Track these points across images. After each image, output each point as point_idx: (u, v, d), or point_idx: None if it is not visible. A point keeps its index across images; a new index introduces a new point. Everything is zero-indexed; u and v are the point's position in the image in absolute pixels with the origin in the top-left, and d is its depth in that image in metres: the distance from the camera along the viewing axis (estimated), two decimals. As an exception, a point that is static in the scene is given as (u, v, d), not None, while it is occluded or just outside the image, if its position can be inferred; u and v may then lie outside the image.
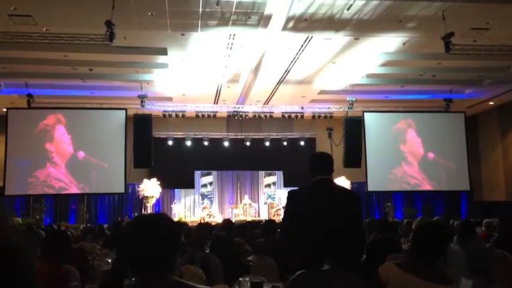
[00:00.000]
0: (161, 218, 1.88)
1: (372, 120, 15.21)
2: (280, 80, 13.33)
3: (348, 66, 12.13)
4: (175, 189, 17.88)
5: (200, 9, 8.61)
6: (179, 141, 17.29)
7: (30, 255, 0.98)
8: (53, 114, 14.11)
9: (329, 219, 3.27)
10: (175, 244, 1.84)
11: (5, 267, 0.91)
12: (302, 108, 15.58)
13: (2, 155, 13.83)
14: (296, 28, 9.56)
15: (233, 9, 8.65)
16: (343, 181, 15.87)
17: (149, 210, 16.45)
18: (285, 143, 17.63)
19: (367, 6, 8.61)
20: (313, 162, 3.55)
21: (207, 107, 15.44)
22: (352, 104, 14.49)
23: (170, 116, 15.38)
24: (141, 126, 14.14)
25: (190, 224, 10.61)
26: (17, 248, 0.95)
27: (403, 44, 10.63)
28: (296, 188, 3.69)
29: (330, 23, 9.29)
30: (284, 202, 3.90)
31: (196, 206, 18.01)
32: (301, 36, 10.12)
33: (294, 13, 8.80)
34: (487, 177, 17.06)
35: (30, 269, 0.96)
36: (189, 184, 17.75)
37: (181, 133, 17.24)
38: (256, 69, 11.79)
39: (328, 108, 15.47)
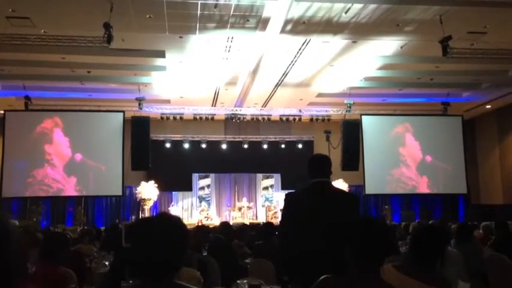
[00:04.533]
0: (174, 221, 1.84)
1: (369, 123, 15.23)
2: (278, 83, 13.35)
3: (346, 69, 12.15)
4: (173, 192, 17.88)
5: (198, 12, 8.62)
6: (177, 144, 17.28)
7: (10, 235, 0.96)
8: (51, 116, 14.06)
9: (326, 221, 3.27)
10: (184, 248, 1.82)
11: None
12: (300, 111, 15.58)
13: (-1, 157, 13.80)
14: (294, 31, 9.58)
15: (231, 12, 8.66)
16: (340, 184, 15.88)
17: (147, 213, 16.42)
18: (282, 146, 17.65)
19: (365, 10, 8.63)
20: (311, 165, 3.55)
21: (205, 110, 15.43)
22: (350, 107, 14.50)
23: (168, 118, 15.35)
24: (138, 129, 14.11)
25: (187, 227, 10.58)
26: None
27: (401, 47, 10.65)
28: (293, 191, 3.69)
29: (328, 26, 9.31)
30: (282, 205, 3.91)
31: (193, 209, 17.98)
32: (299, 39, 10.14)
33: (292, 16, 8.82)
34: (485, 181, 17.09)
35: (11, 250, 0.94)
36: (187, 187, 17.74)
37: (179, 135, 17.24)
38: (254, 72, 11.80)
39: (326, 111, 15.48)
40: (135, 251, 1.77)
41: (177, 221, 1.84)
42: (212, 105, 15.57)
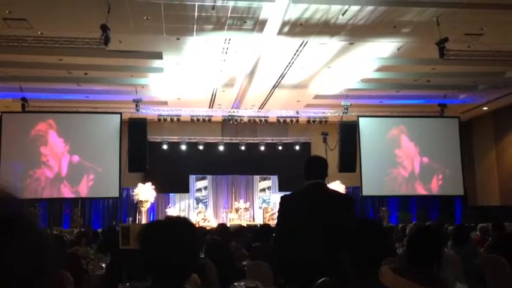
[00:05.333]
0: (190, 226, 1.83)
1: (366, 125, 15.25)
2: (275, 85, 13.35)
3: (343, 71, 12.16)
4: (170, 194, 17.83)
5: (196, 14, 8.62)
6: (174, 146, 17.24)
7: (30, 224, 0.90)
8: (48, 118, 14.04)
9: (322, 222, 3.27)
10: (196, 253, 1.80)
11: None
12: (297, 112, 15.60)
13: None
14: (291, 33, 9.59)
15: (228, 14, 8.67)
16: (337, 186, 15.87)
17: (144, 215, 16.39)
18: (280, 148, 17.64)
19: (362, 12, 8.65)
20: (307, 166, 3.55)
21: (202, 111, 15.43)
22: (347, 109, 14.52)
23: (165, 120, 15.35)
24: (136, 130, 14.10)
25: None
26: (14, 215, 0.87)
27: (398, 49, 10.67)
28: (288, 193, 3.69)
29: (325, 28, 9.33)
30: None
31: (191, 211, 17.94)
32: (297, 41, 10.15)
33: (289, 18, 8.83)
34: (481, 182, 17.12)
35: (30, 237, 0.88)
36: (184, 188, 17.70)
37: (176, 137, 17.20)
38: (252, 74, 11.80)
39: (323, 112, 15.50)
40: (147, 254, 1.74)
41: (190, 225, 1.83)
42: (209, 107, 15.57)
